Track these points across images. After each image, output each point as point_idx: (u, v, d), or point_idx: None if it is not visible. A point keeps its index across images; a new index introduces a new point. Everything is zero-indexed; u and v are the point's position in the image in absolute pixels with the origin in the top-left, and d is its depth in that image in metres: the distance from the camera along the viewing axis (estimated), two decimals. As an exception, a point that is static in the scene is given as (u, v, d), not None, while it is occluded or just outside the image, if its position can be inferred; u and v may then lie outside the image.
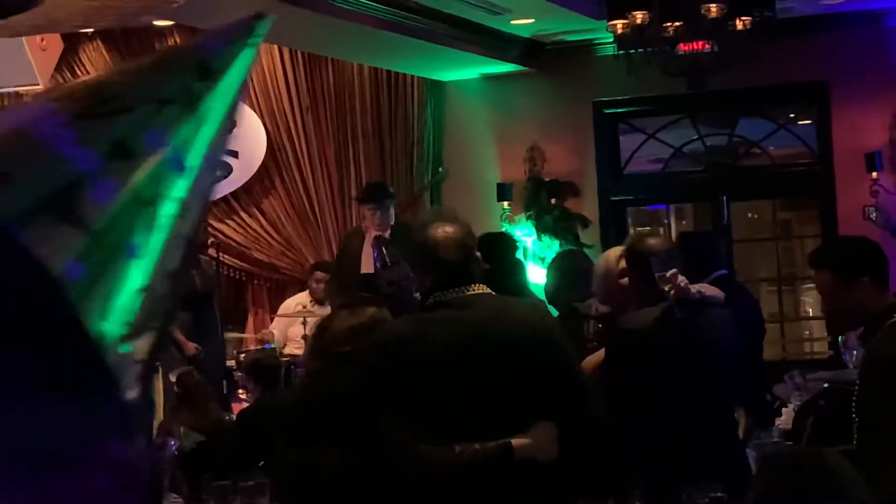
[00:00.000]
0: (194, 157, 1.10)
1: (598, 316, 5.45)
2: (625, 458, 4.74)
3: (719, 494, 4.35)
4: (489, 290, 3.79)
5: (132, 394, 0.81)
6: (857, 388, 4.20)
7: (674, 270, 4.81)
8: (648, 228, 11.35)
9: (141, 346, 0.85)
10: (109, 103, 1.02)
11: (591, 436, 3.79)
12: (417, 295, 3.83)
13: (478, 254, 3.83)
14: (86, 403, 0.72)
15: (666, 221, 12.50)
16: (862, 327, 4.37)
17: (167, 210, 0.99)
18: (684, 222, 13.04)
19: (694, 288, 4.93)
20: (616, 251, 5.39)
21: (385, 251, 7.69)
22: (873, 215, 9.85)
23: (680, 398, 4.79)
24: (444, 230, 3.73)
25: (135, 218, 0.95)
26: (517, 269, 6.56)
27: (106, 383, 0.73)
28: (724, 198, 11.16)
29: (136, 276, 0.91)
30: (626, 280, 5.10)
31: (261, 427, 4.35)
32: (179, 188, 1.03)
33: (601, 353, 4.98)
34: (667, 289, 4.80)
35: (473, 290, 3.71)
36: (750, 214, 12.80)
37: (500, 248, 6.27)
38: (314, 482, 3.88)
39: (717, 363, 4.95)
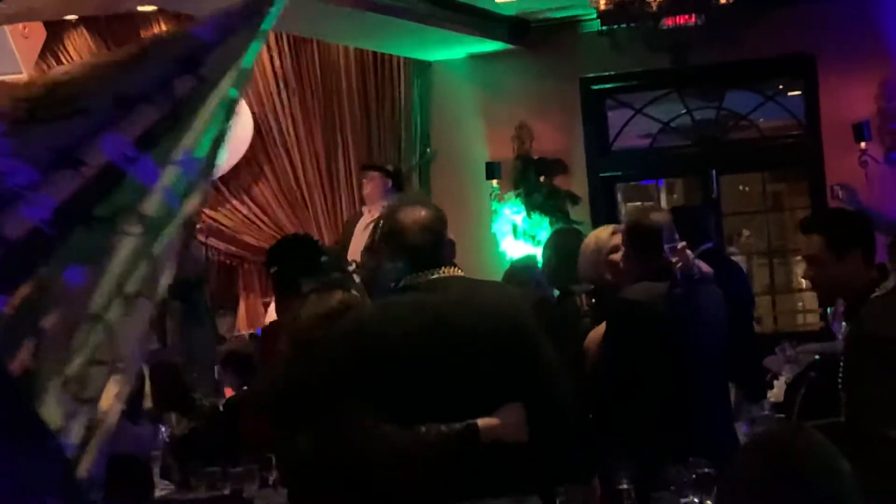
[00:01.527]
0: (172, 164, 0.98)
1: (590, 290, 5.43)
2: (623, 433, 4.74)
3: (706, 470, 4.36)
4: (460, 273, 3.80)
5: (72, 441, 0.76)
6: (842, 364, 4.19)
7: (683, 243, 4.78)
8: (649, 203, 11.35)
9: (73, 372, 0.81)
10: (60, 105, 0.94)
11: (556, 420, 3.79)
12: (393, 284, 3.84)
13: (450, 237, 3.85)
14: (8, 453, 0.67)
15: (656, 196, 12.49)
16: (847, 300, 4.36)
17: (129, 226, 0.90)
18: (675, 196, 13.03)
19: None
20: (607, 229, 5.41)
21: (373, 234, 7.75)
22: (840, 194, 9.81)
23: (681, 372, 4.79)
24: (412, 215, 3.75)
25: (84, 236, 0.87)
26: None
27: (33, 431, 0.68)
28: (714, 172, 11.15)
29: (89, 301, 0.84)
30: (616, 256, 5.10)
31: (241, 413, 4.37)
32: (151, 201, 0.94)
33: (602, 327, 4.96)
34: (674, 260, 4.76)
35: (443, 272, 3.73)
36: (741, 187, 12.79)
37: None
38: (292, 466, 3.89)
39: (714, 338, 4.95)
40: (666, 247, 4.71)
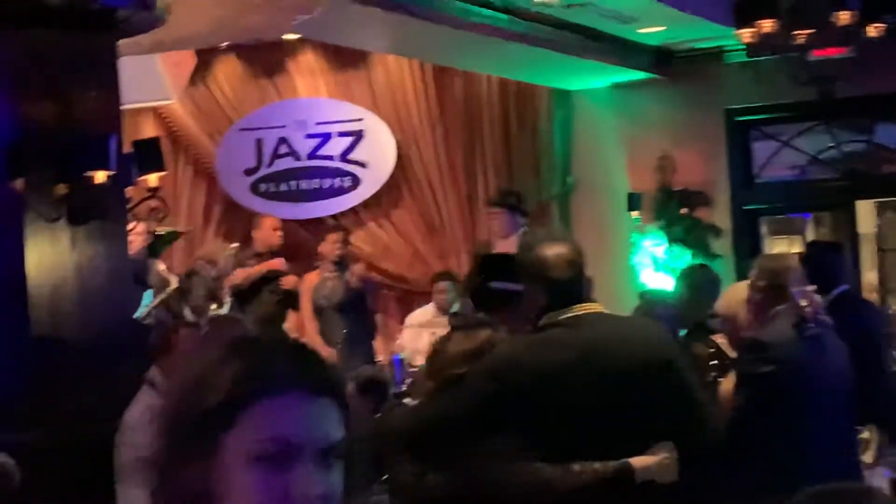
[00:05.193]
0: None
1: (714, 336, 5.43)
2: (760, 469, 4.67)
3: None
4: (600, 309, 3.75)
5: None
6: None
7: (813, 287, 4.80)
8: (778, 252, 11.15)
9: None
10: None
11: (710, 456, 3.72)
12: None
13: (588, 273, 3.80)
14: None
15: (803, 230, 12.23)
16: None
17: None
18: (824, 230, 12.73)
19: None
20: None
21: None
22: None
23: (810, 414, 4.74)
24: (554, 250, 3.71)
25: None
26: None
27: None
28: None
29: None
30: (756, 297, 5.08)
31: (377, 445, 4.37)
32: None
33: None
34: (804, 304, 4.77)
35: (584, 308, 3.68)
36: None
37: None
38: (423, 502, 3.86)
39: (839, 384, 4.91)
40: (795, 291, 4.71)
